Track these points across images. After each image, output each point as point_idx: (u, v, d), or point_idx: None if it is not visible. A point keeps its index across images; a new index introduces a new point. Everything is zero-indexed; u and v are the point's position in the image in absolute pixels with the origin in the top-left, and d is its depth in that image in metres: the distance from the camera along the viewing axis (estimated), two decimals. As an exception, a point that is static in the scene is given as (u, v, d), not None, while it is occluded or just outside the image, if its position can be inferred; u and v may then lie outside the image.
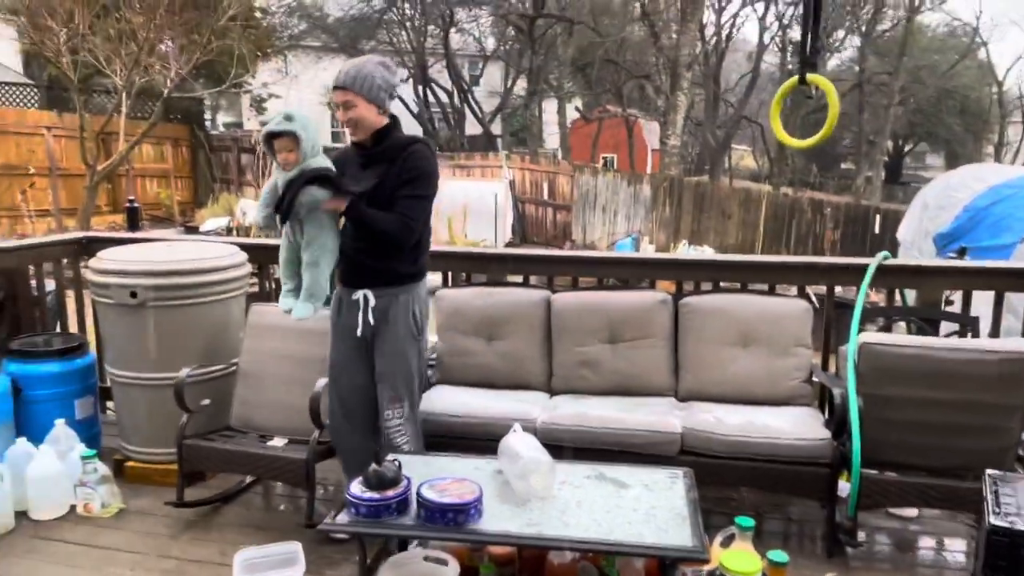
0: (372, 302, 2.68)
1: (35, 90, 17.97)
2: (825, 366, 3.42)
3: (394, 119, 2.70)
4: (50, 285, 4.25)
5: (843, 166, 33.86)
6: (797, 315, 3.23)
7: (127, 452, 3.53)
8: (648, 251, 13.94)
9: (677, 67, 16.22)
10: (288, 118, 2.56)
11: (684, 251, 13.49)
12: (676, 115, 16.24)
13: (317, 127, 2.66)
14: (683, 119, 16.94)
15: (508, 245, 15.05)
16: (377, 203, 2.62)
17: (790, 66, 27.16)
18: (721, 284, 3.53)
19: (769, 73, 28.82)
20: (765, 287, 3.54)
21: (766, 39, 27.26)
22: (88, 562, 2.82)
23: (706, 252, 13.13)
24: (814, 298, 3.54)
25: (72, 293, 4.29)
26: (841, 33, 26.97)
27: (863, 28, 25.66)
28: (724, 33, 26.92)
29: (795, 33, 26.74)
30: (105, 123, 13.05)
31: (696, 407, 3.10)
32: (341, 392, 2.85)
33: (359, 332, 2.71)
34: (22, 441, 3.19)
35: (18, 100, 16.84)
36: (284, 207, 2.54)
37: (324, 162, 2.63)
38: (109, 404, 3.93)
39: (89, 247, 4.06)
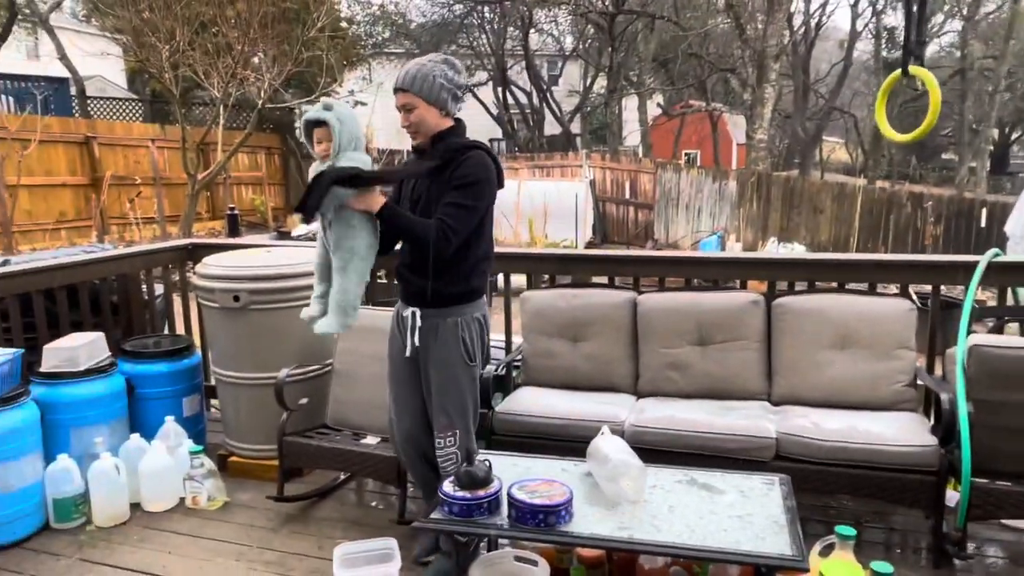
0: (419, 322, 2.53)
1: (139, 104, 19.12)
2: (931, 369, 3.26)
3: (458, 122, 2.52)
4: (158, 289, 4.51)
5: (944, 156, 32.12)
6: (899, 315, 3.09)
7: (230, 448, 3.71)
8: (735, 249, 13.59)
9: (764, 59, 15.74)
10: (327, 107, 2.39)
11: (773, 249, 13.08)
12: (763, 108, 15.76)
13: (358, 122, 2.47)
14: (771, 112, 16.42)
15: (589, 245, 14.97)
16: (428, 212, 2.45)
17: (885, 53, 25.99)
18: (817, 284, 3.41)
19: (862, 61, 27.66)
20: (864, 286, 3.40)
21: (859, 26, 26.17)
22: (197, 552, 2.97)
23: (796, 250, 12.70)
24: (915, 297, 3.37)
25: (178, 296, 4.55)
26: (940, 17, 25.57)
27: (965, 11, 24.24)
28: (814, 21, 25.98)
29: (890, 19, 25.57)
30: (204, 134, 13.75)
31: (791, 411, 3.00)
32: (399, 410, 2.72)
33: (407, 353, 2.58)
34: (135, 437, 3.39)
35: (125, 114, 17.96)
36: (309, 205, 2.32)
37: (361, 158, 2.44)
38: (213, 402, 4.14)
39: (194, 253, 4.29)
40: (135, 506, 3.31)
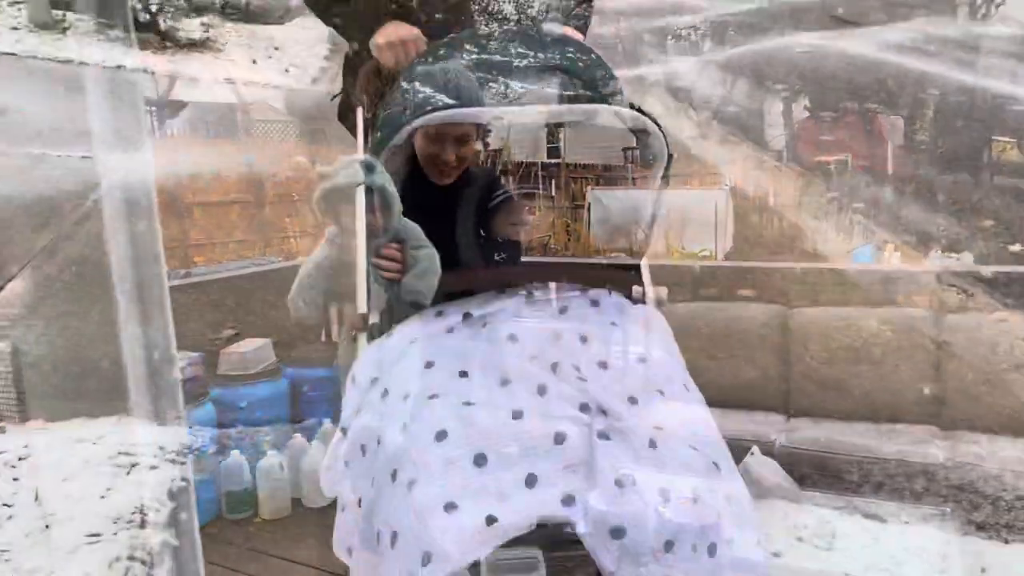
0: None
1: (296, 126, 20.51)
2: None
3: None
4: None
5: None
6: (1093, 335, 2.78)
7: (381, 451, 3.88)
8: (892, 260, 12.69)
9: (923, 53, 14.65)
10: (370, 167, 1.73)
11: (937, 260, 12.09)
12: (924, 107, 14.64)
13: None
14: (932, 111, 15.23)
15: (729, 255, 14.49)
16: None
17: (1067, 41, 23.44)
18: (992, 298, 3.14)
19: (1040, 52, 25.07)
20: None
21: (1036, 13, 23.77)
22: (351, 549, 3.14)
23: (965, 260, 11.67)
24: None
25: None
26: None
27: None
28: (981, 12, 23.89)
29: (1074, 3, 23.01)
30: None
31: (963, 437, 2.77)
32: None
33: None
34: (297, 436, 3.61)
35: (283, 135, 19.32)
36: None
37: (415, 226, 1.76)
38: (364, 407, 4.36)
39: (349, 265, 4.54)
40: (296, 501, 3.52)
